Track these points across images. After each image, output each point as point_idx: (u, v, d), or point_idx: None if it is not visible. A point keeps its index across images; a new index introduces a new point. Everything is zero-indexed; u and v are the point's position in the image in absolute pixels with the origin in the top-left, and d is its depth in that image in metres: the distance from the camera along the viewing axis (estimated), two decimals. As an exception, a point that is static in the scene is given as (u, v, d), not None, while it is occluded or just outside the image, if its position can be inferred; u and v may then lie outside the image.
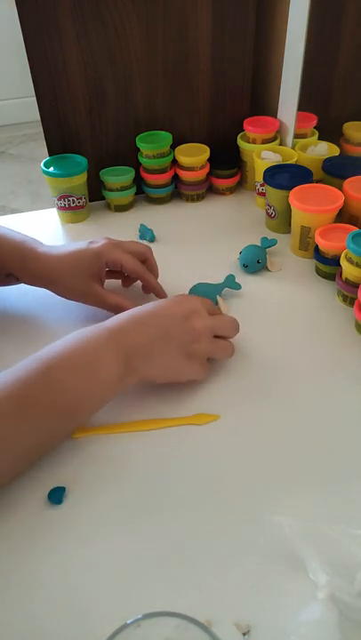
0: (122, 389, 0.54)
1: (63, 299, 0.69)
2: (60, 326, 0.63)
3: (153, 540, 0.48)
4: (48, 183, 0.87)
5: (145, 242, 0.85)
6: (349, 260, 0.68)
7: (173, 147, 0.92)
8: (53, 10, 0.77)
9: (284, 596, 0.44)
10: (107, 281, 0.70)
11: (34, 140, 2.87)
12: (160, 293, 0.71)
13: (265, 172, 0.83)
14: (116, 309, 0.63)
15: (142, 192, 0.94)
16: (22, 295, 0.75)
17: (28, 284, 0.68)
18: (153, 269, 0.71)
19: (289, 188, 0.78)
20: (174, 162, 0.93)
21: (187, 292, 0.72)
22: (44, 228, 0.90)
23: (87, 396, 0.52)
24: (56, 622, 0.43)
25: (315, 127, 0.95)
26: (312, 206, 0.75)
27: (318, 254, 0.75)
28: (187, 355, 0.57)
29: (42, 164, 0.87)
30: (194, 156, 0.90)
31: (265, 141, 0.92)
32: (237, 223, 0.89)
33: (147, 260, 0.70)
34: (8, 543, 0.48)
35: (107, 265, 0.66)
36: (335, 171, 0.83)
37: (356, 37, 0.90)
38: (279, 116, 0.93)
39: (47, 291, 0.69)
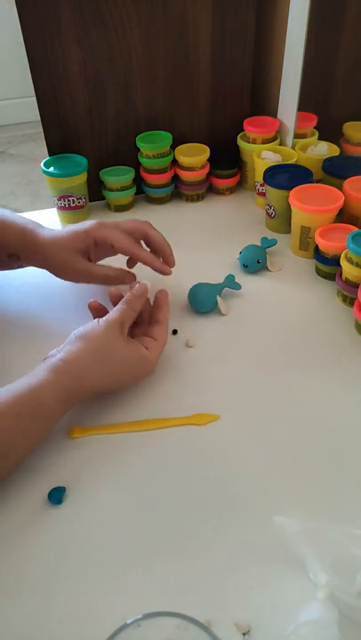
0: None
1: (62, 299, 0.69)
2: (61, 325, 0.63)
3: (153, 539, 0.48)
4: (48, 183, 0.87)
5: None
6: (349, 260, 0.68)
7: (173, 147, 0.92)
8: (53, 10, 0.77)
9: (284, 595, 0.44)
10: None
11: (34, 140, 2.87)
12: (159, 268, 0.69)
13: (265, 172, 0.83)
14: (105, 280, 0.67)
15: (142, 192, 0.94)
16: (22, 294, 0.75)
17: (28, 263, 0.69)
18: (156, 243, 0.70)
19: (289, 188, 0.78)
20: (174, 162, 0.92)
21: (186, 293, 0.72)
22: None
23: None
24: (56, 622, 0.43)
25: (315, 127, 0.95)
26: (312, 206, 0.75)
27: (318, 254, 0.75)
28: None
29: (42, 164, 0.87)
30: (194, 156, 0.90)
31: (265, 141, 0.92)
32: (237, 223, 0.89)
33: (147, 236, 0.69)
34: (8, 543, 0.48)
35: (95, 242, 0.67)
36: (335, 171, 0.83)
37: (357, 37, 0.90)
38: (279, 115, 0.93)
39: (46, 289, 0.68)
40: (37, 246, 0.67)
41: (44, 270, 0.69)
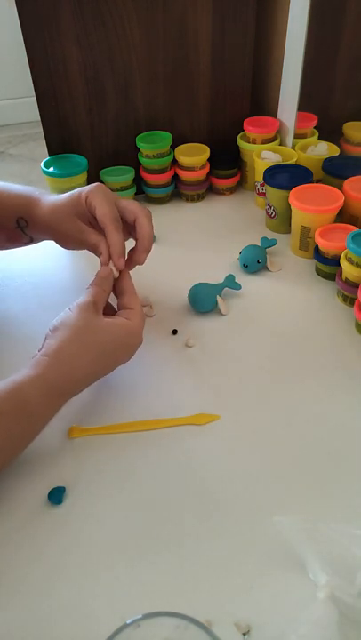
0: None
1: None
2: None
3: (153, 539, 0.48)
4: (48, 183, 0.87)
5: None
6: (349, 260, 0.68)
7: (173, 147, 0.92)
8: (53, 10, 0.77)
9: (284, 595, 0.44)
10: None
11: (34, 140, 2.87)
12: (114, 258, 0.61)
13: (265, 172, 0.83)
14: (94, 250, 0.63)
15: (142, 192, 0.94)
16: (22, 294, 0.75)
17: (35, 231, 0.67)
18: (140, 232, 0.64)
19: (289, 188, 0.78)
20: (174, 162, 0.92)
21: (186, 293, 0.71)
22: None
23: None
24: (56, 622, 0.43)
25: (315, 127, 0.95)
26: (312, 206, 0.75)
27: (318, 254, 0.75)
28: None
29: (42, 164, 0.87)
30: (194, 156, 0.90)
31: (265, 141, 0.92)
32: (237, 223, 0.89)
33: (136, 219, 0.64)
34: (8, 543, 0.48)
35: (86, 204, 0.63)
36: (335, 171, 0.83)
37: (357, 38, 0.90)
38: (279, 115, 0.93)
39: (46, 289, 0.68)
40: (40, 210, 0.65)
41: (44, 270, 0.68)
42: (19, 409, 0.50)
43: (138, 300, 0.60)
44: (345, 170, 0.82)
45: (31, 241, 0.69)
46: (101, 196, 0.62)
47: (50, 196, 0.67)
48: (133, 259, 0.64)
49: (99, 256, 0.63)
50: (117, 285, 0.62)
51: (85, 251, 0.66)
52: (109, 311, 0.61)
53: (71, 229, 0.64)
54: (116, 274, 0.61)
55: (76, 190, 0.65)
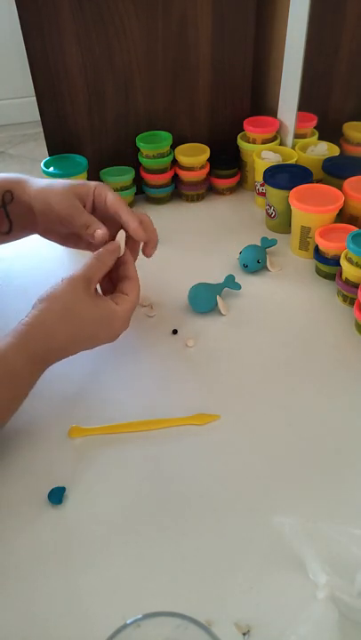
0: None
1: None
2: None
3: (153, 539, 0.48)
4: (48, 183, 0.87)
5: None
6: (349, 260, 0.68)
7: (173, 147, 0.92)
8: (53, 10, 0.77)
9: (284, 596, 0.44)
10: None
11: (34, 139, 2.86)
12: (131, 227, 0.62)
13: (265, 172, 0.83)
14: (83, 232, 0.62)
15: (142, 192, 0.94)
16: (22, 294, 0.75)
17: (19, 208, 0.65)
18: (150, 228, 0.64)
19: (289, 188, 0.78)
20: (174, 162, 0.93)
21: (186, 293, 0.71)
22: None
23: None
24: (56, 622, 0.43)
25: (315, 127, 0.95)
26: (312, 206, 0.75)
27: (318, 254, 0.75)
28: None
29: (42, 164, 0.87)
30: (194, 156, 0.90)
31: (265, 141, 0.92)
32: (237, 223, 0.89)
33: (142, 220, 0.64)
34: (8, 543, 0.48)
35: (93, 193, 0.64)
36: (335, 171, 0.83)
37: (356, 38, 0.90)
38: (279, 115, 0.93)
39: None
40: (32, 186, 0.64)
41: (44, 270, 0.68)
42: (4, 375, 0.51)
43: (136, 288, 0.60)
44: (345, 170, 0.82)
45: (9, 231, 0.66)
46: (111, 189, 0.64)
47: (44, 179, 0.66)
48: (144, 252, 0.65)
49: (90, 237, 0.62)
50: (121, 269, 0.61)
51: (87, 252, 0.66)
52: (109, 288, 0.62)
53: (65, 205, 0.63)
54: (122, 251, 0.61)
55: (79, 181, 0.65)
